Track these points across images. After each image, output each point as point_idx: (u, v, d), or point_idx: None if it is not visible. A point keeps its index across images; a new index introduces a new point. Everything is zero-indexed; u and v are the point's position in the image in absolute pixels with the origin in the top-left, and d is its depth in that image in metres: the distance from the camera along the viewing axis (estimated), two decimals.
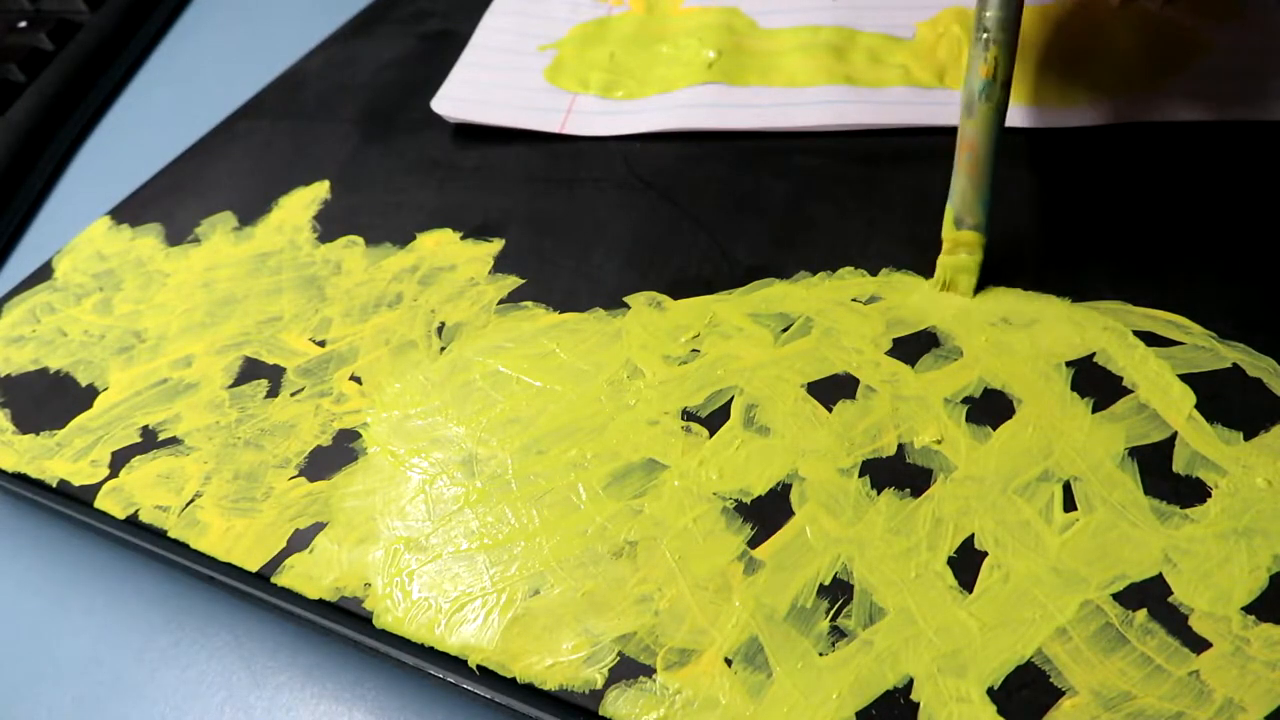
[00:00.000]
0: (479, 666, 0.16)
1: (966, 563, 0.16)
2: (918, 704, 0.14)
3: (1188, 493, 0.16)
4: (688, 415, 0.19)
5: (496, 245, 0.23)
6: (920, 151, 0.23)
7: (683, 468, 0.18)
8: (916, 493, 0.17)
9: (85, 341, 0.24)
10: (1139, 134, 0.23)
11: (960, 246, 0.19)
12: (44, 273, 0.27)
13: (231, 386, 0.22)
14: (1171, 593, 0.15)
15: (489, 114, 0.27)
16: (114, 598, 0.21)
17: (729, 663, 0.15)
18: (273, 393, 0.21)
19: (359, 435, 0.20)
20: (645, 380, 0.19)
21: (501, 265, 0.23)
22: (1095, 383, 0.18)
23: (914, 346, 0.19)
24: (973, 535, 0.16)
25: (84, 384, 0.23)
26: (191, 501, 0.19)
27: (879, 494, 0.17)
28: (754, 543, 0.16)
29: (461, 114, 0.27)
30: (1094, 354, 0.18)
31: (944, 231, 0.20)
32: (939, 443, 0.17)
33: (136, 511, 0.19)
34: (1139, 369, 0.18)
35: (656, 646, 0.15)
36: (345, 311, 0.23)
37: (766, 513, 0.17)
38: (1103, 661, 0.14)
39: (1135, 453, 0.16)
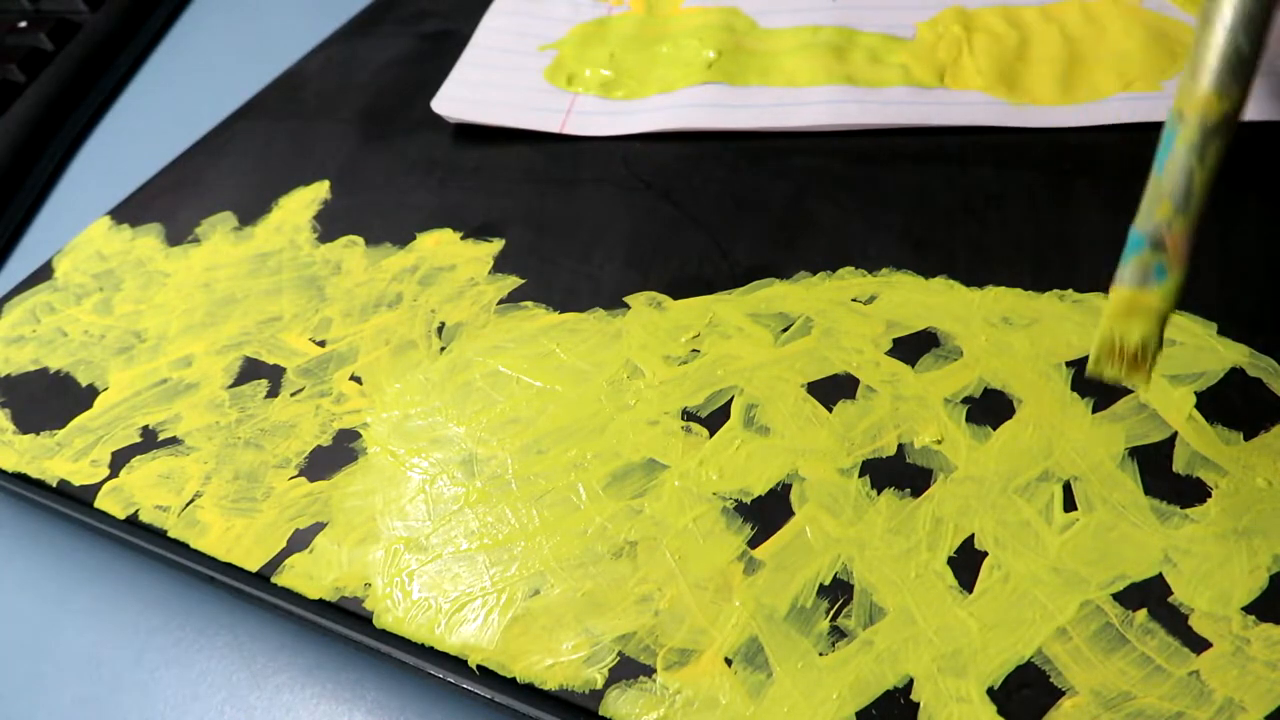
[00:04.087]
0: (479, 666, 0.16)
1: (966, 563, 0.16)
2: (918, 704, 0.14)
3: (1188, 493, 0.16)
4: (688, 415, 0.19)
5: (496, 245, 0.23)
6: (920, 151, 0.23)
7: (683, 468, 0.18)
8: (916, 493, 0.17)
9: (85, 341, 0.24)
10: (1139, 134, 0.23)
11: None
12: (44, 273, 0.27)
13: (231, 386, 0.22)
14: (1171, 593, 0.15)
15: (489, 114, 0.27)
16: (114, 598, 0.21)
17: (729, 663, 0.15)
18: (273, 393, 0.21)
19: (359, 435, 0.20)
20: (645, 380, 0.19)
21: (501, 265, 0.23)
22: (1095, 383, 0.18)
23: (914, 346, 0.19)
24: (973, 535, 0.16)
25: (84, 384, 0.23)
26: (191, 501, 0.19)
27: (879, 494, 0.17)
28: (754, 543, 0.16)
29: (461, 114, 0.27)
30: None
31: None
32: (939, 443, 0.17)
33: (136, 511, 0.19)
34: None
35: (656, 646, 0.15)
36: (345, 311, 0.23)
37: (766, 513, 0.17)
38: (1103, 661, 0.14)
39: (1135, 453, 0.16)
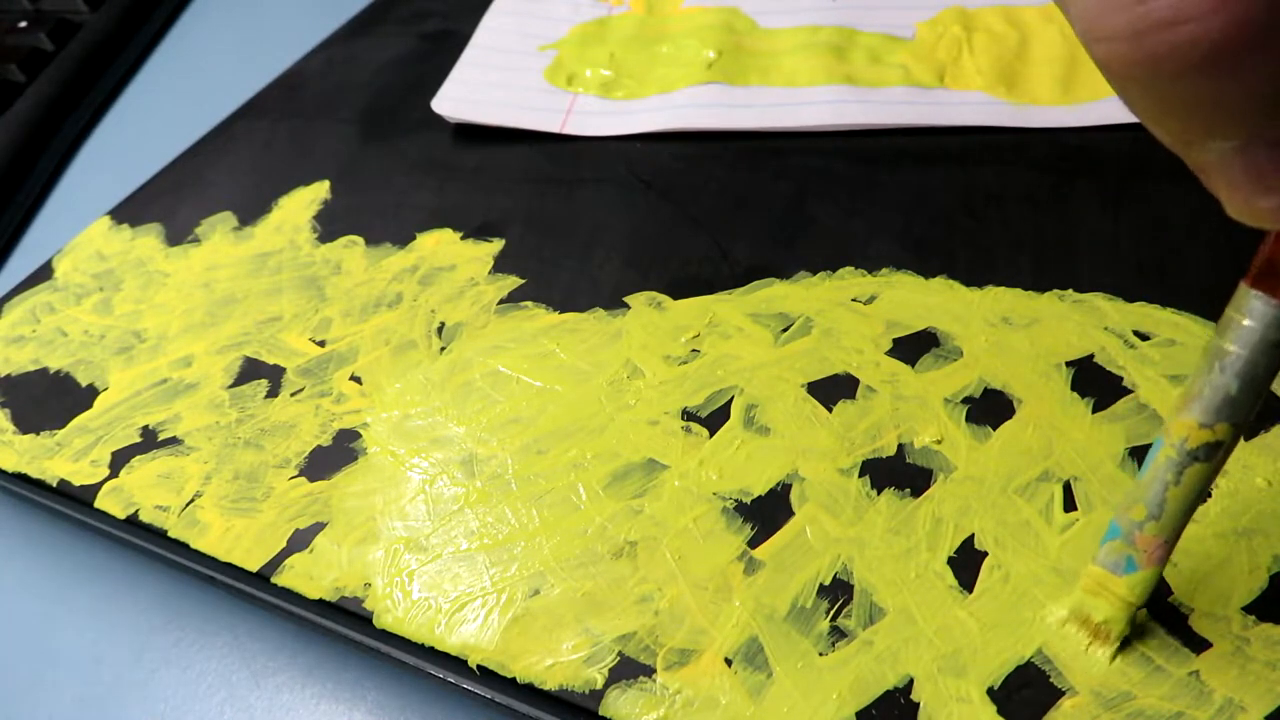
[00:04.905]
0: (479, 666, 0.16)
1: (966, 563, 0.16)
2: (918, 704, 0.14)
3: None
4: (688, 415, 0.19)
5: (496, 245, 0.23)
6: (920, 151, 0.23)
7: (683, 468, 0.18)
8: (916, 493, 0.17)
9: (85, 341, 0.24)
10: (1140, 134, 0.23)
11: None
12: (44, 273, 0.27)
13: (231, 386, 0.22)
14: (1171, 592, 0.15)
15: (489, 114, 0.27)
16: (114, 598, 0.21)
17: (729, 663, 0.15)
18: (273, 393, 0.21)
19: (359, 435, 0.20)
20: (645, 380, 0.19)
21: (501, 265, 0.23)
22: (1095, 383, 0.18)
23: (914, 346, 0.19)
24: (973, 535, 0.16)
25: (84, 384, 0.23)
26: (191, 501, 0.19)
27: (879, 494, 0.17)
28: (754, 543, 0.16)
29: (461, 114, 0.27)
30: (1094, 354, 0.18)
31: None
32: (939, 443, 0.17)
33: (136, 511, 0.19)
34: (1139, 369, 0.18)
35: (656, 646, 0.15)
36: (345, 311, 0.23)
37: (766, 513, 0.17)
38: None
39: (1135, 453, 0.16)
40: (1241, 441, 0.16)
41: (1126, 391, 0.17)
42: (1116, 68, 0.09)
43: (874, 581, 0.16)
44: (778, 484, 0.17)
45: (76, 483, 0.20)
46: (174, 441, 0.21)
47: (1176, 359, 0.18)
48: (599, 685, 0.15)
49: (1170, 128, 0.10)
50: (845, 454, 0.17)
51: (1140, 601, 0.14)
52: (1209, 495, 0.16)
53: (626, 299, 0.21)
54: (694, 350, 0.20)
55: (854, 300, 0.20)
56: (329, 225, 0.25)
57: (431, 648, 0.16)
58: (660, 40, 0.29)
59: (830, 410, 0.18)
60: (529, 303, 0.22)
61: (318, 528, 0.18)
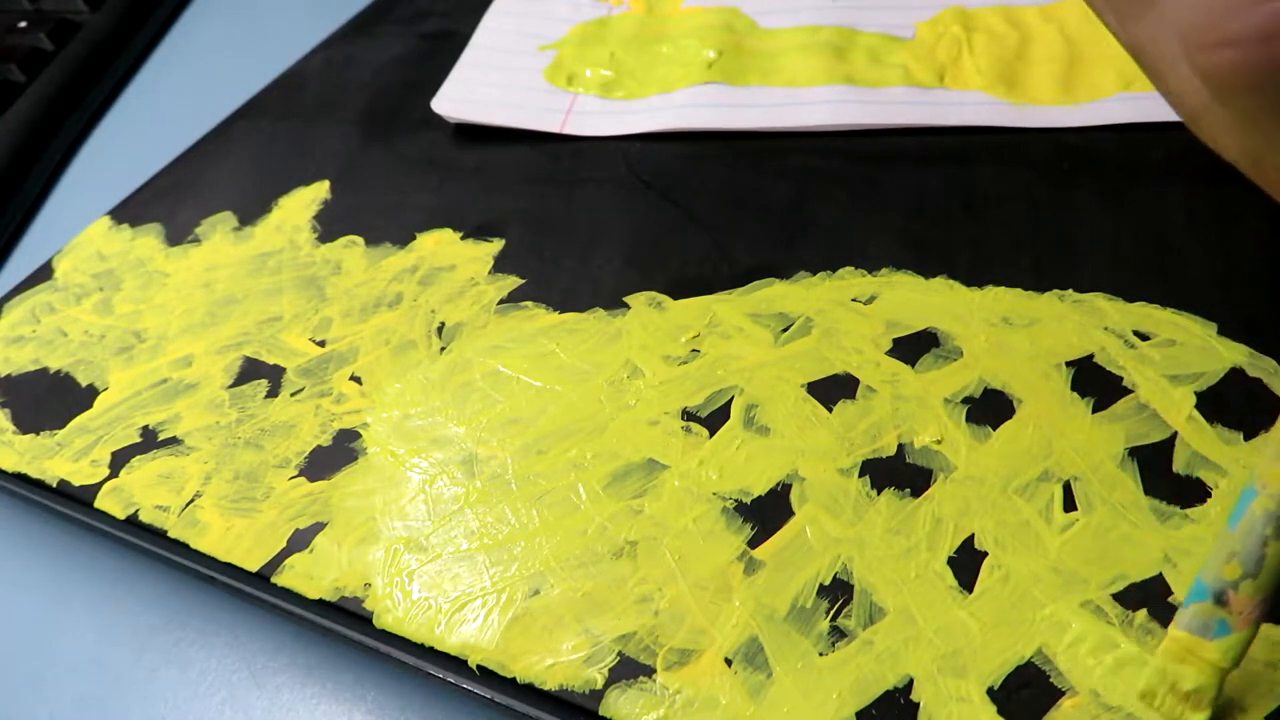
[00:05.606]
0: (479, 666, 0.16)
1: (966, 563, 0.16)
2: (918, 704, 0.14)
3: (1188, 493, 0.16)
4: (688, 415, 0.19)
5: (496, 245, 0.23)
6: (920, 151, 0.23)
7: (683, 468, 0.18)
8: (916, 493, 0.17)
9: (85, 341, 0.24)
10: (1139, 134, 0.23)
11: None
12: (44, 273, 0.27)
13: (231, 386, 0.22)
14: (1171, 593, 0.15)
15: (489, 114, 0.27)
16: (114, 598, 0.21)
17: (729, 663, 0.15)
18: (273, 393, 0.21)
19: (359, 435, 0.20)
20: (645, 380, 0.19)
21: (501, 265, 0.23)
22: (1095, 383, 0.18)
23: (914, 346, 0.19)
24: (973, 535, 0.16)
25: (84, 384, 0.23)
26: (191, 501, 0.19)
27: (879, 494, 0.17)
28: (754, 543, 0.16)
29: (461, 114, 0.27)
30: (1094, 354, 0.18)
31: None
32: (939, 443, 0.17)
33: (136, 511, 0.19)
34: (1139, 369, 0.18)
35: (656, 646, 0.15)
36: (345, 311, 0.23)
37: (766, 513, 0.17)
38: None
39: (1135, 453, 0.16)
40: (1241, 442, 0.16)
41: (1126, 391, 0.17)
42: (1235, 77, 0.08)
43: (874, 581, 0.16)
44: (778, 484, 0.17)
45: (76, 483, 0.20)
46: (174, 441, 0.21)
47: (1176, 359, 0.18)
48: (599, 685, 0.15)
49: (1276, 140, 0.09)
50: (845, 454, 0.17)
51: (1234, 665, 0.13)
52: (1209, 494, 0.16)
53: (626, 299, 0.21)
54: (694, 350, 0.20)
55: (854, 300, 0.20)
56: (329, 225, 0.26)
57: (431, 648, 0.16)
58: (660, 40, 0.29)
59: (830, 410, 0.18)
60: (529, 303, 0.22)
61: (318, 528, 0.18)
